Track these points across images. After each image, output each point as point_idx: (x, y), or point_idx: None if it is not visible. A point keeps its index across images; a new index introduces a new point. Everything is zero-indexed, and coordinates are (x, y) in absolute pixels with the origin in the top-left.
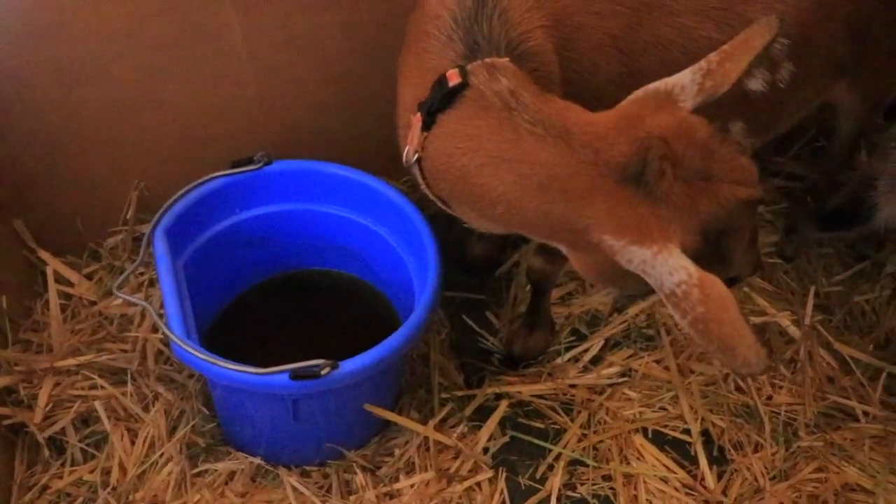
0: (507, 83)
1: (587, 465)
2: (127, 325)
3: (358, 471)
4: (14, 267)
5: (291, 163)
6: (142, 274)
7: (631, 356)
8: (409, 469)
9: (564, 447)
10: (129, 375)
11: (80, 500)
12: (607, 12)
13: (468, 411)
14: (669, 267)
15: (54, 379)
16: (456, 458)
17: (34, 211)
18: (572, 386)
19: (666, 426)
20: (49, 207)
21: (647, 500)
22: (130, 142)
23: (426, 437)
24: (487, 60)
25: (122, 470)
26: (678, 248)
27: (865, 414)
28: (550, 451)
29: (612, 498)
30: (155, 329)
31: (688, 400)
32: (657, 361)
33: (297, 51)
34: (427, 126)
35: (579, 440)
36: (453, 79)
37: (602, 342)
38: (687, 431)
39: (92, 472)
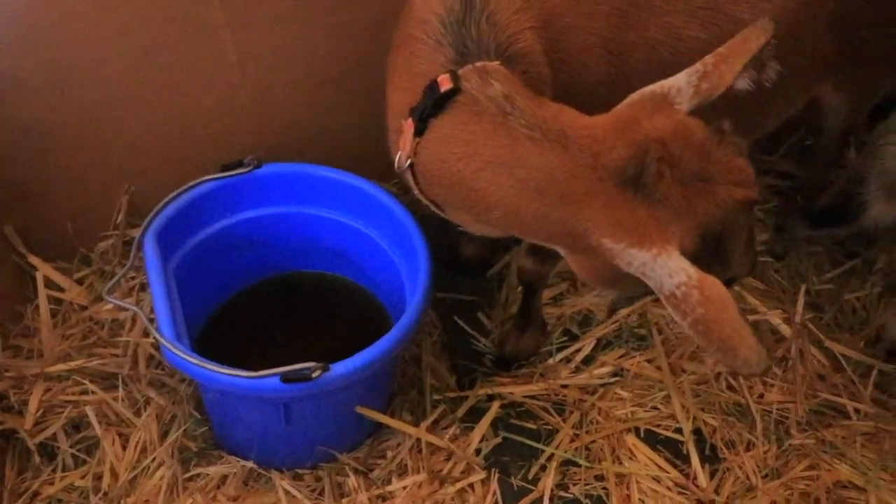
0: (501, 88)
1: (580, 466)
2: (118, 329)
3: (350, 473)
4: (4, 272)
5: (281, 166)
6: (133, 278)
7: (623, 356)
8: (402, 471)
9: (557, 448)
10: (120, 380)
11: None
12: (595, 13)
13: (460, 413)
14: (669, 269)
15: (45, 384)
16: (448, 459)
17: (24, 216)
18: (564, 386)
19: (658, 425)
20: (39, 212)
21: (639, 499)
22: (121, 145)
23: (418, 439)
24: (479, 65)
25: (114, 475)
26: (677, 250)
27: (857, 411)
28: (543, 451)
29: (604, 498)
30: (146, 333)
31: (680, 399)
32: (649, 361)
33: (288, 54)
34: (419, 132)
35: (571, 440)
36: (445, 84)
37: (594, 342)
38: (679, 430)
39: (83, 477)
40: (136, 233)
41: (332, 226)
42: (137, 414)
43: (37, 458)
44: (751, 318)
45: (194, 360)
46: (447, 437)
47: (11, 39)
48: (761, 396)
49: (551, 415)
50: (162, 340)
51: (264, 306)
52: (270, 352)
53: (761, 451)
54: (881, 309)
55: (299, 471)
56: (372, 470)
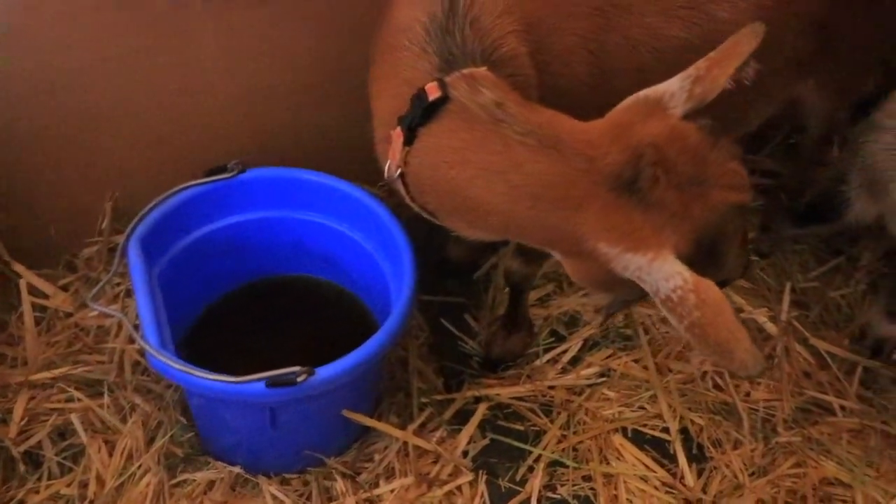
0: (492, 95)
1: (567, 466)
2: (104, 336)
3: (338, 477)
4: None
5: (265, 170)
6: (118, 284)
7: (609, 356)
8: (389, 474)
9: (544, 449)
10: (105, 387)
11: None
12: (577, 14)
13: (447, 415)
14: (665, 273)
15: (29, 392)
16: (436, 462)
17: (8, 223)
18: (551, 387)
19: (645, 425)
20: (23, 219)
21: (627, 499)
22: (105, 152)
23: (405, 442)
24: (466, 72)
25: (100, 482)
26: (673, 253)
27: (842, 408)
28: (530, 452)
29: (592, 498)
30: (132, 340)
31: (666, 398)
32: (636, 361)
33: (271, 59)
34: (409, 141)
35: (559, 441)
36: (433, 92)
37: (580, 343)
38: (666, 430)
39: (69, 485)
40: (121, 239)
41: (316, 229)
42: (123, 421)
43: (22, 467)
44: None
45: (179, 365)
46: (434, 439)
47: None
48: (748, 395)
49: (538, 416)
50: (146, 347)
51: (250, 310)
52: (256, 356)
53: (748, 450)
54: (866, 306)
55: (287, 475)
56: (359, 474)
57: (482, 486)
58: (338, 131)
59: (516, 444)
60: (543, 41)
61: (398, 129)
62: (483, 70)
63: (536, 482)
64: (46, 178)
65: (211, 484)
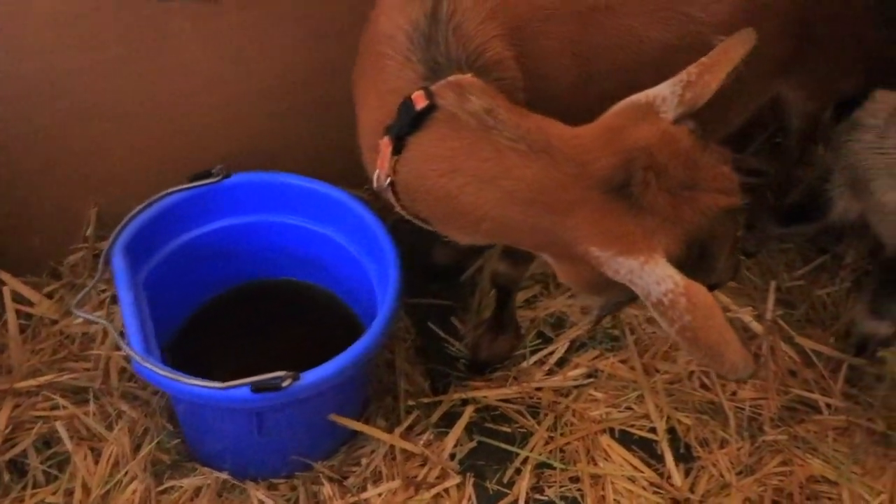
0: (480, 102)
1: (554, 468)
2: (89, 343)
3: (325, 482)
4: None
5: (250, 175)
6: (104, 291)
7: (596, 357)
8: (377, 478)
9: (531, 450)
10: (91, 394)
11: None
12: (559, 17)
13: (434, 418)
14: (656, 277)
15: (14, 401)
16: (423, 465)
17: None
18: (538, 389)
19: (632, 426)
20: (7, 226)
21: (614, 500)
22: (89, 158)
23: (393, 446)
24: (452, 79)
25: (86, 490)
26: (664, 257)
27: (828, 406)
28: (518, 454)
29: (579, 499)
30: (118, 346)
31: (653, 399)
32: (623, 361)
33: (254, 63)
34: (397, 150)
35: (546, 443)
36: (419, 101)
37: (567, 344)
38: (653, 430)
39: (54, 493)
40: (106, 245)
41: (302, 234)
42: (109, 428)
43: (6, 476)
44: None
45: (164, 372)
46: (421, 442)
47: None
48: (734, 394)
49: (526, 418)
50: (131, 353)
51: (236, 315)
52: (244, 360)
53: (735, 449)
54: (850, 304)
55: (274, 480)
56: (347, 478)
57: (469, 489)
58: (322, 135)
59: (503, 446)
60: (527, 45)
61: (386, 139)
62: (469, 77)
63: (524, 484)
64: (30, 184)
65: (198, 490)
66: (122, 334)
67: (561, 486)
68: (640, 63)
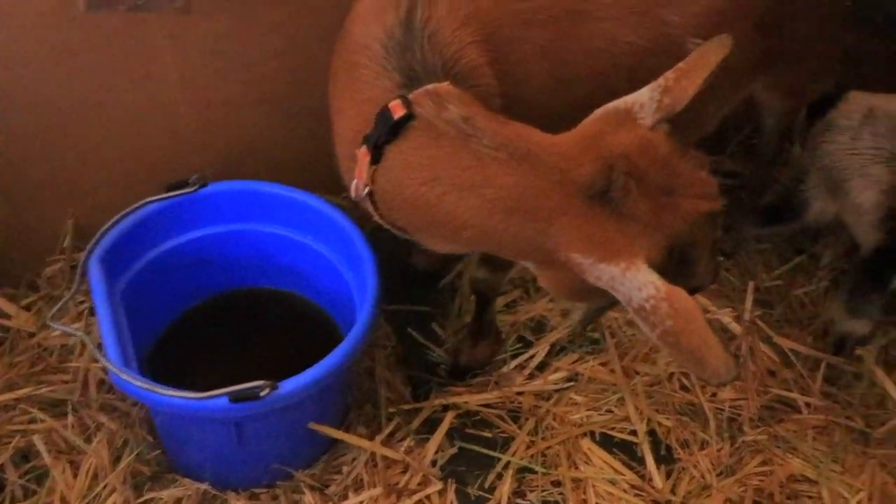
0: (458, 110)
1: (536, 472)
2: (67, 355)
3: (306, 490)
4: None
5: (227, 184)
6: (82, 302)
7: (577, 360)
8: (358, 486)
9: (513, 455)
10: (69, 407)
11: None
12: (534, 22)
13: (415, 424)
14: (638, 282)
15: None
16: (405, 472)
17: None
18: (519, 393)
19: (613, 428)
20: None
21: (596, 503)
22: (65, 169)
23: (374, 453)
24: (430, 88)
25: None
26: (645, 263)
27: (807, 405)
28: (499, 459)
29: (561, 503)
30: (96, 358)
31: (633, 401)
32: (603, 364)
33: (229, 73)
34: (376, 159)
35: (527, 447)
36: (397, 110)
37: (548, 348)
38: (634, 433)
39: None
40: (83, 256)
41: (280, 242)
42: (88, 440)
43: None
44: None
45: (141, 383)
46: (402, 449)
47: None
48: (714, 395)
49: (507, 422)
50: (108, 365)
51: (216, 324)
52: (224, 370)
53: (715, 450)
54: (828, 303)
55: (255, 490)
56: (328, 486)
57: (451, 495)
58: (299, 143)
59: (485, 451)
60: (502, 51)
61: (364, 148)
62: (446, 85)
63: (505, 489)
64: (6, 196)
65: (178, 501)
66: (99, 346)
67: (542, 491)
68: (616, 67)
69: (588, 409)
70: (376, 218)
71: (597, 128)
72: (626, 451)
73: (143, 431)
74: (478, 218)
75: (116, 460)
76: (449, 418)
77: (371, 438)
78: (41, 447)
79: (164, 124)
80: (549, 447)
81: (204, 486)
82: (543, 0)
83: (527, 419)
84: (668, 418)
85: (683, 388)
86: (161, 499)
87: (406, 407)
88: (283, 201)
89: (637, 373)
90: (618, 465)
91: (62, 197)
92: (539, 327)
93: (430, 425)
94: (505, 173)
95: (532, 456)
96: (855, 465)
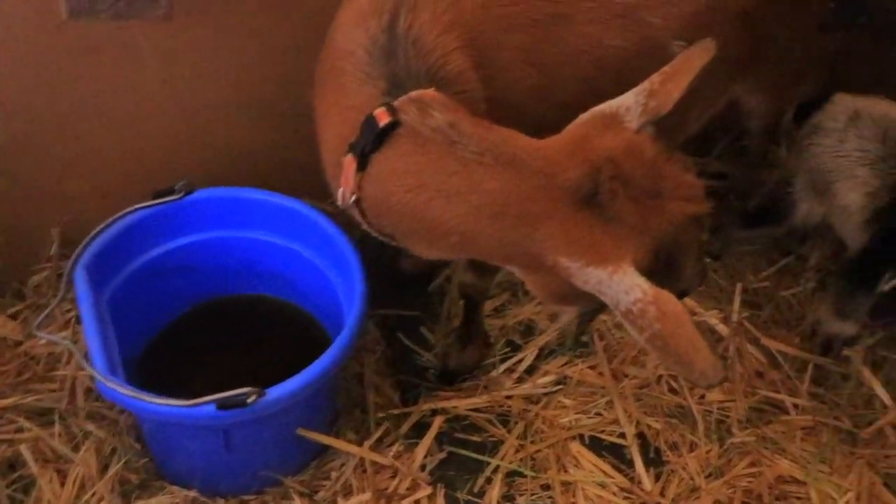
0: (443, 116)
1: (525, 476)
2: (54, 363)
3: (295, 497)
4: None
5: (213, 191)
6: (69, 311)
7: (565, 364)
8: (347, 491)
9: (502, 459)
10: (57, 415)
11: None
12: (517, 27)
13: (404, 429)
14: (625, 286)
15: None
16: (394, 477)
17: None
18: (508, 397)
19: (602, 431)
20: None
21: None
22: (50, 176)
23: (363, 458)
24: (414, 94)
25: None
26: (632, 266)
27: (795, 406)
28: (488, 463)
29: None
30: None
31: (622, 404)
32: (591, 367)
33: (212, 78)
34: (362, 167)
35: (517, 451)
36: (382, 118)
37: (536, 351)
38: (623, 435)
39: None
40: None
41: (267, 248)
42: (76, 449)
43: None
44: None
45: (128, 391)
46: (391, 454)
47: None
48: (702, 397)
49: (496, 426)
50: (94, 373)
51: (204, 331)
52: (213, 376)
53: (704, 452)
54: (815, 304)
55: (244, 497)
56: (317, 492)
57: (441, 500)
58: (284, 148)
59: (474, 455)
60: (486, 55)
61: (350, 156)
62: (431, 91)
63: (495, 493)
64: None
65: None
66: (87, 354)
67: (532, 495)
68: (600, 70)
69: (577, 413)
70: (364, 225)
71: (582, 132)
72: (615, 454)
73: (130, 439)
74: (464, 224)
75: (104, 468)
76: (438, 423)
77: (360, 444)
78: (28, 456)
79: (149, 131)
80: (538, 451)
81: (192, 494)
82: (526, 4)
83: (516, 423)
84: (656, 421)
85: (672, 390)
86: None
87: (395, 412)
88: (270, 207)
89: (626, 375)
90: (607, 468)
91: (48, 205)
92: (528, 331)
93: (419, 430)
94: (490, 178)
95: (521, 460)
96: (843, 465)
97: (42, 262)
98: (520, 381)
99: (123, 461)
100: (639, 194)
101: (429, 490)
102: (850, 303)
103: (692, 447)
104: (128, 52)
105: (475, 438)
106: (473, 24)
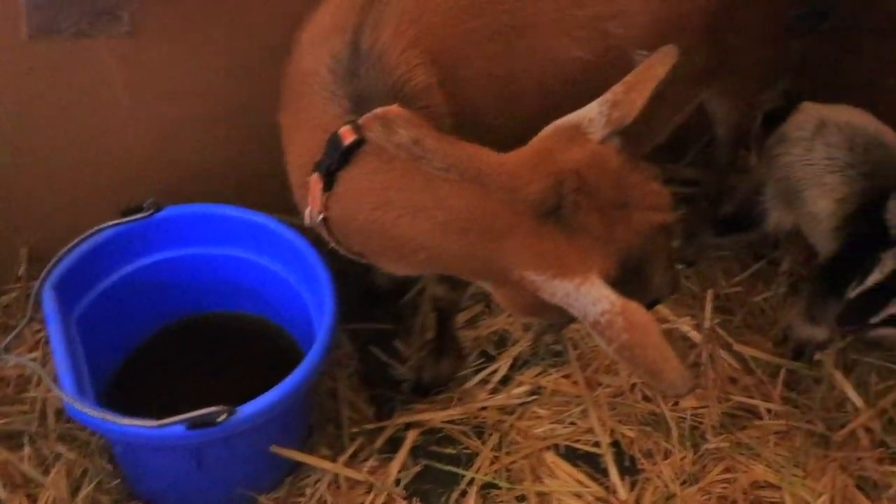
0: (407, 133)
1: (500, 488)
2: (25, 385)
3: None
4: None
5: (182, 208)
6: (38, 331)
7: (539, 373)
8: None
9: (477, 471)
10: (26, 438)
11: None
12: (480, 40)
13: (379, 443)
14: (592, 297)
15: None
16: (369, 492)
17: None
18: (483, 409)
19: (577, 441)
20: None
21: None
22: (18, 196)
23: (337, 474)
24: (379, 112)
25: None
26: (599, 277)
27: (768, 411)
28: (463, 476)
29: None
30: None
31: (597, 413)
32: (565, 377)
33: (180, 95)
34: (328, 186)
35: (492, 463)
36: (347, 136)
37: (510, 362)
38: (597, 444)
39: None
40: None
41: (237, 264)
42: (46, 472)
43: None
44: (662, 327)
45: (97, 413)
46: (366, 469)
47: None
48: (676, 404)
49: (471, 438)
50: (63, 395)
51: (178, 349)
52: (187, 395)
53: (678, 458)
54: (787, 309)
55: None
56: None
57: None
58: (252, 164)
59: (449, 468)
60: (450, 70)
61: (316, 175)
62: (395, 108)
63: None
64: None
65: None
66: (55, 376)
67: None
68: (563, 82)
69: (551, 423)
70: (332, 244)
71: (546, 145)
72: (590, 463)
73: (102, 460)
74: (431, 240)
75: (76, 490)
76: (412, 436)
77: (334, 459)
78: None
79: (117, 148)
80: (513, 462)
81: None
82: (490, 18)
83: (490, 434)
84: (631, 429)
85: (646, 398)
86: None
87: (369, 426)
88: (239, 223)
89: (600, 384)
90: (582, 477)
91: (16, 225)
92: (501, 342)
93: (394, 444)
94: (456, 195)
95: (496, 471)
96: (816, 468)
97: (11, 283)
98: (494, 392)
99: (95, 482)
100: (604, 205)
101: None
102: (821, 308)
103: (667, 454)
104: (93, 69)
105: (450, 451)
106: (436, 39)
